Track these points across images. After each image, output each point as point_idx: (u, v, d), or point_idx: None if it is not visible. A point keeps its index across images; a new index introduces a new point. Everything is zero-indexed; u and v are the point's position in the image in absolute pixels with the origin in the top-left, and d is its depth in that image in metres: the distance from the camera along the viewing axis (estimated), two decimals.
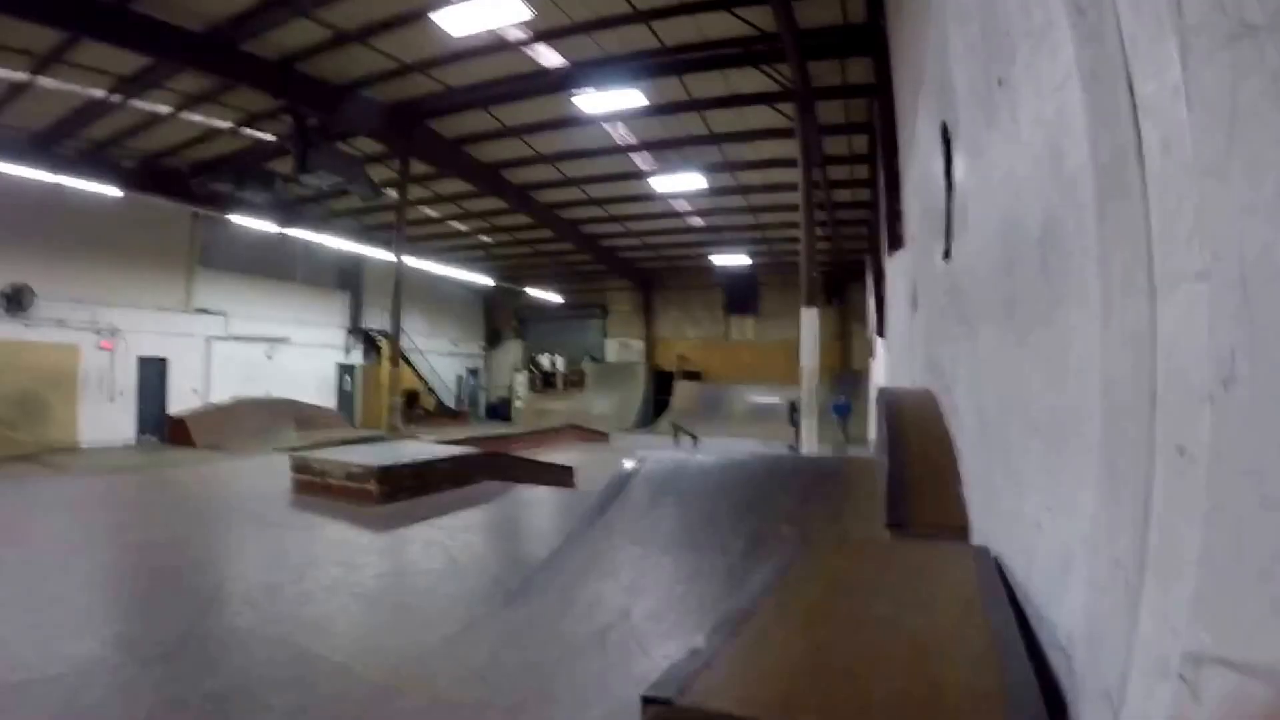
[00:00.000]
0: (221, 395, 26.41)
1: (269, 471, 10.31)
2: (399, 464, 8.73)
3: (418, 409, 34.65)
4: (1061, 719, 1.86)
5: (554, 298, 41.61)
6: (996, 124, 3.26)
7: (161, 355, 25.17)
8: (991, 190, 3.45)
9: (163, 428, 24.42)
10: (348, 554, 6.45)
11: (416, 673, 3.96)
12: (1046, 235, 2.46)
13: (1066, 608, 2.08)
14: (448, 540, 6.90)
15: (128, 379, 24.13)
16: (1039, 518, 2.52)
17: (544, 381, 42.75)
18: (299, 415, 26.18)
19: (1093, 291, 1.91)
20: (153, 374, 24.94)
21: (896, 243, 12.22)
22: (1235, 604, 1.17)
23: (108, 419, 23.28)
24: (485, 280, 38.31)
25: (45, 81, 16.76)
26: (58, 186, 20.15)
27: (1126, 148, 1.46)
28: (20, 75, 16.38)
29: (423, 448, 11.05)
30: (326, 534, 7.21)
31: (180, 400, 25.39)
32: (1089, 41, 1.81)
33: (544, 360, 43.33)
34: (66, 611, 4.73)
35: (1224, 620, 1.18)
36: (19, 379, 20.98)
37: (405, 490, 8.48)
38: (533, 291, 41.11)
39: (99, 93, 17.67)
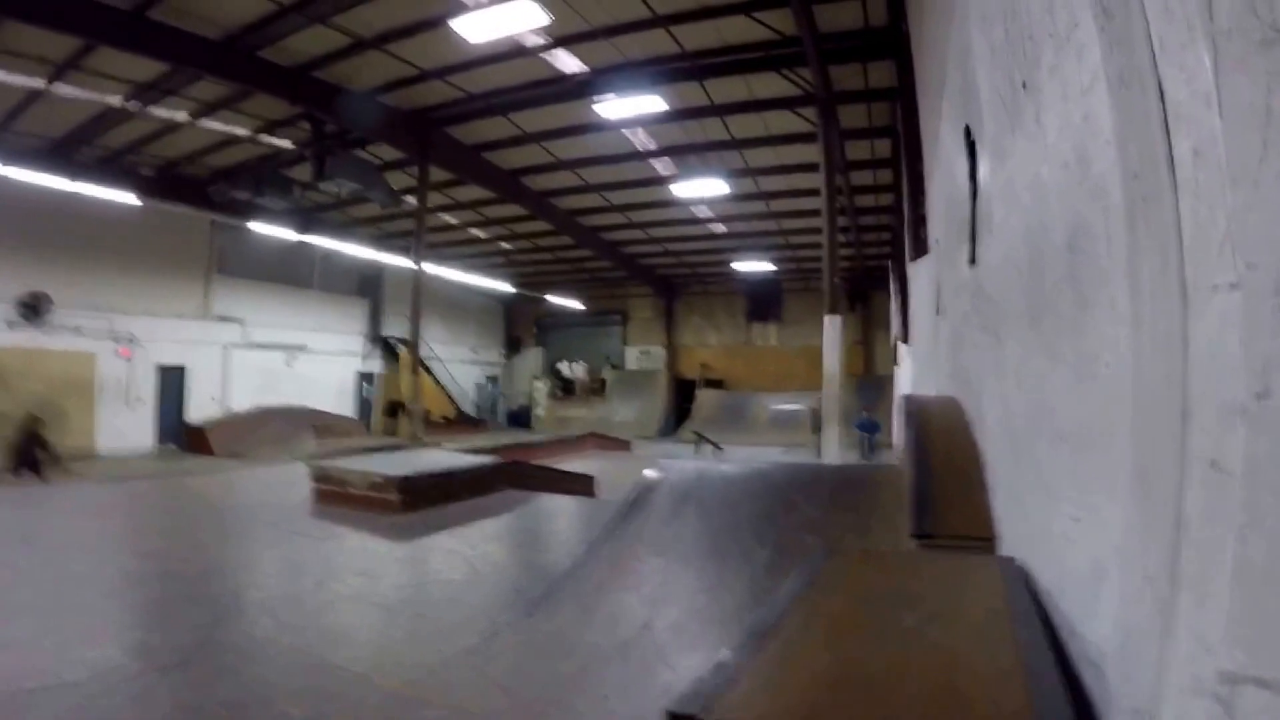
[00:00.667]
0: (240, 403, 26.52)
1: (288, 480, 10.35)
2: (420, 473, 8.75)
3: (435, 418, 34.60)
4: None
5: (574, 304, 41.64)
6: (1021, 128, 3.23)
7: (180, 363, 25.30)
8: (1017, 195, 3.41)
9: (181, 435, 24.54)
10: (368, 563, 6.46)
11: (437, 683, 3.95)
12: (1074, 241, 2.42)
13: (1098, 621, 2.04)
14: (469, 550, 6.90)
15: (146, 386, 24.25)
16: (1067, 528, 2.48)
17: (564, 389, 42.78)
18: (318, 423, 26.26)
19: (1121, 299, 1.88)
20: (171, 382, 25.07)
21: (920, 248, 12.16)
22: (1270, 622, 1.14)
23: (126, 426, 23.40)
24: (505, 287, 38.40)
25: (62, 89, 16.90)
26: (75, 194, 20.29)
27: (1157, 154, 1.43)
28: (37, 83, 16.52)
29: (443, 457, 11.08)
30: (346, 543, 7.22)
31: (199, 408, 25.52)
32: (1117, 45, 1.78)
33: (564, 368, 43.35)
34: (85, 617, 4.75)
35: (1259, 639, 1.15)
36: (37, 386, 21.11)
37: (426, 500, 8.49)
38: (553, 299, 41.14)
39: (116, 100, 17.82)
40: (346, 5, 14.25)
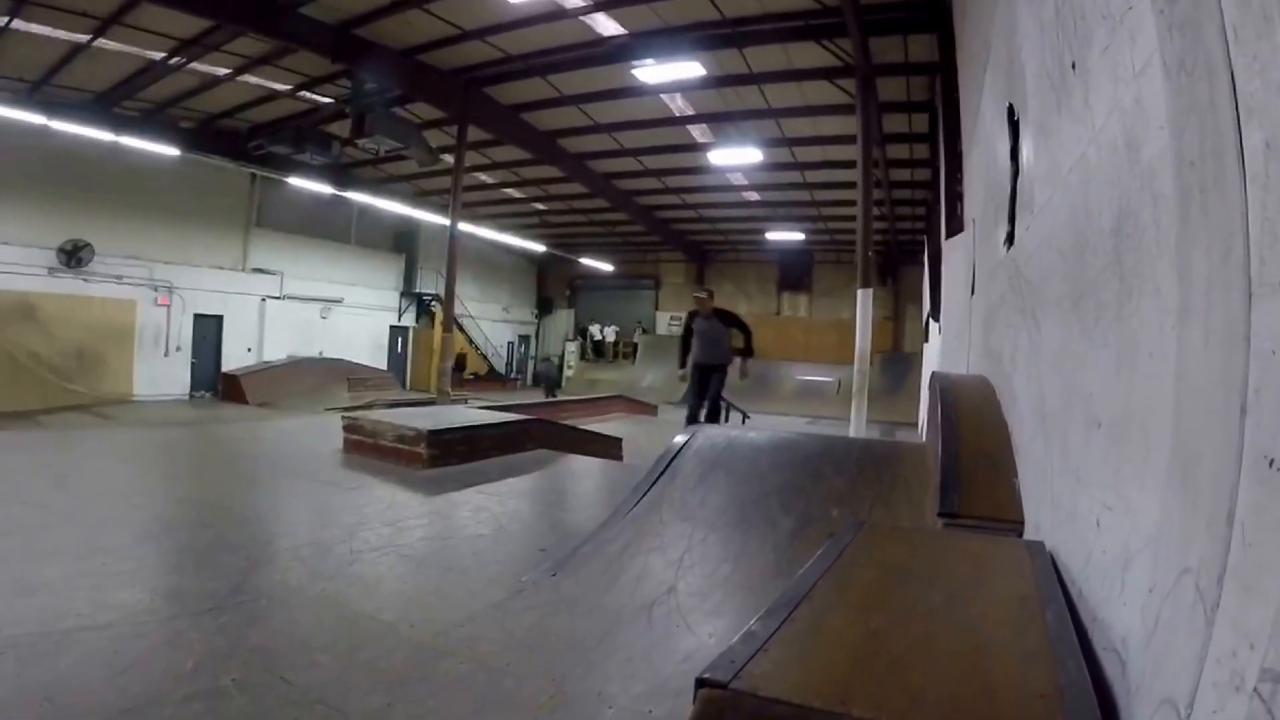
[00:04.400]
0: (275, 354, 26.85)
1: (321, 431, 10.45)
2: (450, 428, 8.80)
3: (467, 374, 34.86)
4: None
5: (607, 268, 41.64)
6: (1068, 109, 3.18)
7: (217, 313, 25.65)
8: (1061, 177, 3.36)
9: (216, 384, 24.92)
10: (397, 515, 6.53)
11: (462, 637, 4.00)
12: (1120, 227, 2.39)
13: (1123, 610, 2.04)
14: (496, 507, 6.95)
15: (183, 335, 24.60)
16: (1098, 515, 2.47)
17: (594, 351, 42.97)
18: (351, 376, 26.54)
19: (1169, 288, 1.86)
20: (208, 331, 25.44)
21: (955, 226, 12.04)
22: None
23: (163, 373, 23.81)
24: (538, 248, 38.45)
25: (106, 43, 17.02)
26: (117, 146, 20.49)
27: (1222, 143, 1.41)
28: (81, 37, 16.62)
29: (473, 413, 11.14)
30: (376, 494, 7.29)
31: (234, 358, 25.87)
32: (1177, 29, 1.75)
33: (594, 330, 43.50)
34: (118, 561, 4.82)
35: None
36: (77, 332, 21.43)
37: (455, 455, 8.55)
38: (586, 261, 41.18)
39: (158, 55, 17.93)
40: None
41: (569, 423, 13.47)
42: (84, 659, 3.43)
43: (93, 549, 5.04)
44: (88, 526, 5.61)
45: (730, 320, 12.73)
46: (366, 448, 8.88)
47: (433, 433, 8.43)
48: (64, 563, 4.71)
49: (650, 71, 18.02)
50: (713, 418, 12.56)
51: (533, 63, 18.86)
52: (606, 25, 16.62)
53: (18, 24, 15.75)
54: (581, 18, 16.26)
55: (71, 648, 3.52)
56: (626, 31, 16.80)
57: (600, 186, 28.93)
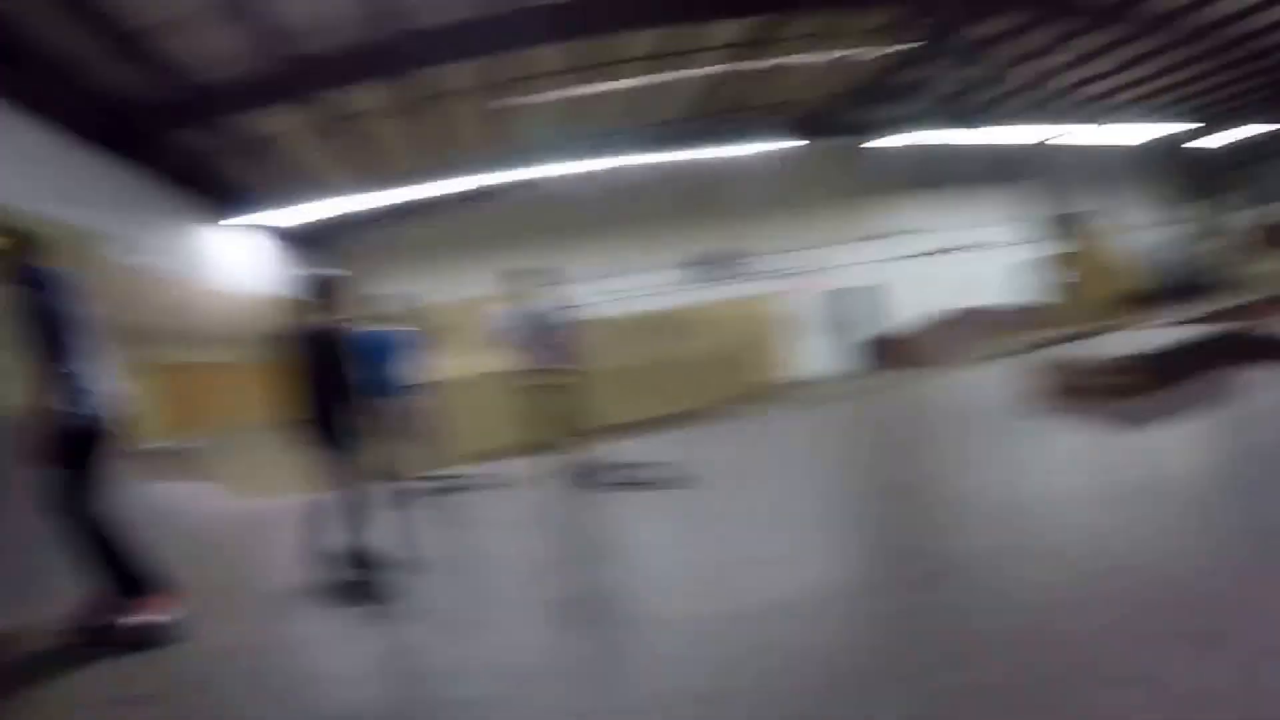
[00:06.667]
0: (920, 313, 27.03)
1: (987, 380, 10.24)
2: (1142, 354, 7.79)
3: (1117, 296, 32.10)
4: None
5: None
6: None
7: (850, 286, 27.57)
8: None
9: (871, 353, 26.34)
10: (1104, 458, 5.87)
11: None
12: None
13: None
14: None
15: (825, 313, 26.97)
16: None
17: (1272, 238, 35.79)
18: (999, 320, 25.94)
19: None
20: (849, 304, 27.27)
21: None
22: None
23: (813, 352, 25.94)
24: (1177, 128, 32.15)
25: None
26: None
27: None
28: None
29: (1157, 335, 9.88)
30: (1069, 438, 6.75)
31: (879, 325, 26.90)
32: None
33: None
34: (822, 538, 4.81)
35: None
36: (725, 333, 23.27)
37: (1159, 382, 7.55)
38: (1251, 129, 32.95)
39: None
40: None
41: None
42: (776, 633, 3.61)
43: (771, 529, 5.35)
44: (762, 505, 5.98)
45: None
46: (1053, 389, 8.26)
47: (1129, 360, 7.51)
48: (735, 544, 5.15)
49: None
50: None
51: None
52: None
53: None
54: None
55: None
56: None
57: None
